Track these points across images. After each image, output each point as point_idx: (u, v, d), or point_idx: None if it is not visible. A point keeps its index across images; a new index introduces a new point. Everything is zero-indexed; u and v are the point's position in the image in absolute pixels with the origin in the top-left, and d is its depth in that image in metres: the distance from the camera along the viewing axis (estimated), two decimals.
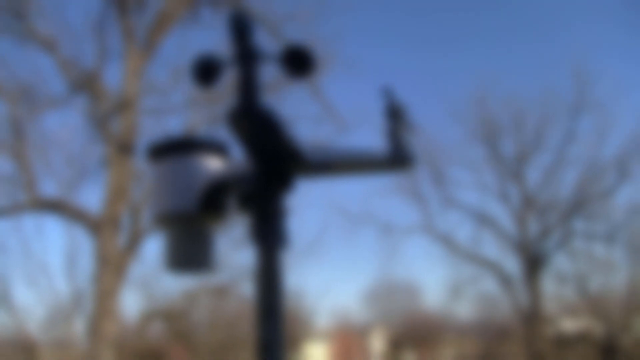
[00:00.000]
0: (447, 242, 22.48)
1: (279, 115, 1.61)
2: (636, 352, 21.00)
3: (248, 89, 1.59)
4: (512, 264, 21.94)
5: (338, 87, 26.27)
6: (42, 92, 11.68)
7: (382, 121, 1.79)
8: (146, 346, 20.18)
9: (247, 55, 1.64)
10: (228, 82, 1.74)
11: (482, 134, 22.66)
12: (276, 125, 1.62)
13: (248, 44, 1.65)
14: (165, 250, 1.91)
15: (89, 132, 12.26)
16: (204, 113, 12.62)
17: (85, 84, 11.43)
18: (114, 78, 12.05)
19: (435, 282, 53.40)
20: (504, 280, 21.90)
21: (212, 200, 1.83)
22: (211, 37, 12.22)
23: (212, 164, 1.87)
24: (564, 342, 23.93)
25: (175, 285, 16.80)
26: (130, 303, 25.12)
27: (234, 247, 13.70)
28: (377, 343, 38.92)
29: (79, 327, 14.64)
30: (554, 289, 22.51)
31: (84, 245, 12.85)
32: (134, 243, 11.13)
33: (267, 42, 11.82)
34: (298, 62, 1.65)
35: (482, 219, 22.37)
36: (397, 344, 37.84)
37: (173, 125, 13.32)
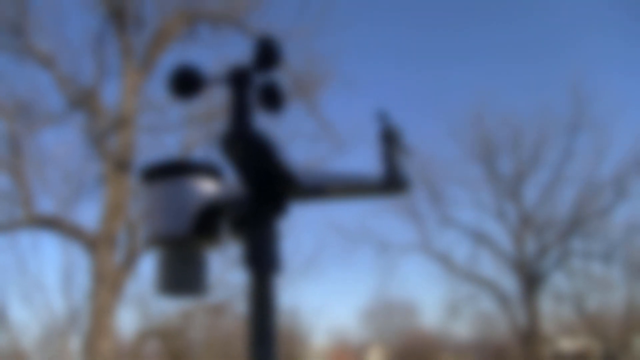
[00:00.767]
0: (445, 261, 22.44)
1: (272, 139, 1.60)
2: None
3: (240, 112, 1.58)
4: (510, 283, 21.92)
5: (335, 104, 26.30)
6: (40, 108, 11.70)
7: (377, 145, 1.78)
8: None
9: (239, 78, 1.63)
10: (224, 100, 1.72)
11: (480, 152, 22.71)
12: (269, 150, 1.60)
13: (241, 67, 1.64)
14: (157, 274, 1.89)
15: (87, 148, 12.25)
16: (201, 131, 12.64)
17: (83, 100, 11.44)
18: (111, 95, 12.07)
19: (432, 300, 53.27)
20: (502, 299, 21.84)
21: (206, 224, 1.81)
22: (209, 55, 12.25)
23: (206, 187, 1.85)
24: None
25: (171, 304, 16.71)
26: (126, 321, 24.94)
27: (229, 265, 13.64)
28: None
29: (74, 344, 14.52)
30: (551, 308, 22.47)
31: (80, 262, 12.77)
32: (130, 261, 11.08)
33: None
34: (267, 55, 1.68)
35: (480, 238, 22.34)
36: None
37: (170, 142, 13.33)
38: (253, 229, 1.69)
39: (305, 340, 33.93)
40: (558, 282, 21.83)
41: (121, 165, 10.96)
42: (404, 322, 39.08)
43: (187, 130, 12.79)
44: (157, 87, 13.39)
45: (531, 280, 21.15)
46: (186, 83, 1.71)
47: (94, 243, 10.67)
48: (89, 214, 13.95)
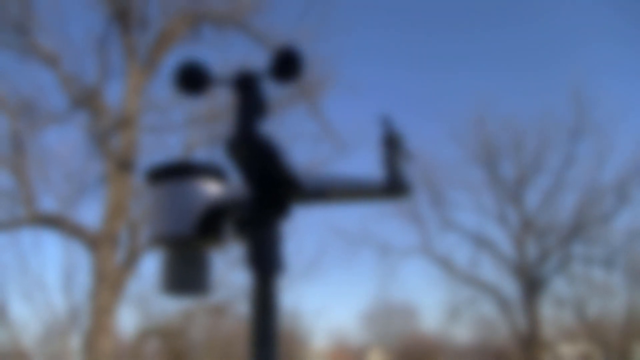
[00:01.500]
0: (446, 264, 22.42)
1: (277, 143, 1.61)
2: None
3: (246, 115, 1.60)
4: (511, 287, 21.88)
5: (337, 107, 26.31)
6: (43, 107, 11.71)
7: (379, 149, 1.80)
8: None
9: (245, 81, 1.64)
10: (228, 101, 1.73)
11: (481, 156, 22.69)
12: (273, 154, 1.62)
13: (247, 70, 1.66)
14: (162, 274, 1.92)
15: (89, 148, 12.28)
16: (203, 131, 12.67)
17: (86, 100, 11.47)
18: (114, 95, 12.10)
19: (433, 304, 53.22)
20: (502, 303, 21.82)
21: (210, 225, 1.83)
22: (212, 56, 12.28)
23: (211, 189, 1.88)
24: None
25: (172, 304, 16.73)
26: (127, 320, 25.01)
27: (231, 266, 13.66)
28: None
29: (74, 343, 14.55)
30: (552, 313, 22.43)
31: (82, 261, 12.82)
32: (131, 260, 11.10)
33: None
34: (287, 66, 1.67)
35: (481, 242, 22.33)
36: None
37: (173, 143, 13.36)
38: (256, 231, 1.70)
39: (306, 342, 33.93)
40: (559, 287, 21.83)
41: (123, 165, 10.99)
42: (404, 325, 39.11)
43: (190, 131, 12.83)
44: (160, 88, 13.44)
45: (532, 284, 21.13)
46: (193, 79, 1.71)
47: (95, 242, 10.69)
48: (90, 213, 13.97)
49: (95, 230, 10.86)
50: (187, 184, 1.87)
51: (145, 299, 15.97)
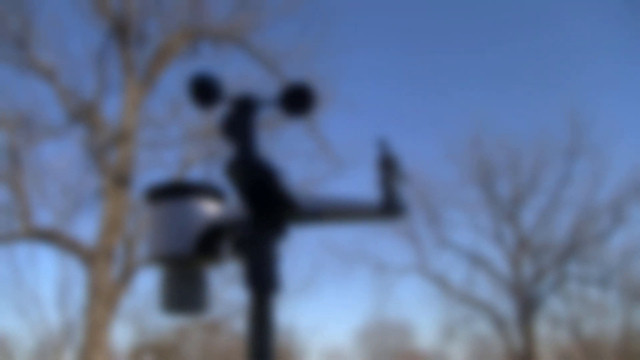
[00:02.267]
0: (441, 283, 22.38)
1: (275, 164, 1.63)
2: None
3: (246, 138, 1.62)
4: (506, 306, 21.84)
5: (334, 125, 26.39)
6: (41, 121, 11.74)
7: (375, 171, 1.83)
8: None
9: (249, 103, 1.67)
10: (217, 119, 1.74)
11: (478, 175, 22.71)
12: (272, 176, 1.64)
13: (251, 93, 1.67)
14: (160, 293, 1.93)
15: (86, 162, 12.31)
16: (200, 147, 12.70)
17: (83, 114, 11.49)
18: (112, 110, 12.14)
19: (428, 322, 52.85)
20: (498, 322, 21.78)
21: (208, 244, 1.85)
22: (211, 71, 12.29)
23: (209, 209, 1.90)
24: None
25: (167, 320, 16.69)
26: (121, 336, 24.87)
27: (226, 283, 13.64)
28: None
29: (68, 358, 14.49)
30: (547, 333, 22.39)
31: (77, 276, 12.81)
32: (126, 276, 11.08)
33: (266, 79, 11.97)
34: (299, 101, 1.67)
35: (476, 260, 22.31)
36: None
37: (169, 158, 13.39)
38: (253, 250, 1.72)
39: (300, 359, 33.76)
40: (554, 306, 21.80)
41: (120, 180, 11.00)
42: (400, 343, 38.89)
43: (187, 147, 12.86)
44: (158, 103, 13.49)
45: (527, 303, 21.11)
46: (208, 91, 1.71)
47: (90, 257, 10.67)
48: (86, 228, 13.98)
49: (90, 245, 10.85)
50: (185, 203, 1.89)
51: (139, 315, 15.95)
